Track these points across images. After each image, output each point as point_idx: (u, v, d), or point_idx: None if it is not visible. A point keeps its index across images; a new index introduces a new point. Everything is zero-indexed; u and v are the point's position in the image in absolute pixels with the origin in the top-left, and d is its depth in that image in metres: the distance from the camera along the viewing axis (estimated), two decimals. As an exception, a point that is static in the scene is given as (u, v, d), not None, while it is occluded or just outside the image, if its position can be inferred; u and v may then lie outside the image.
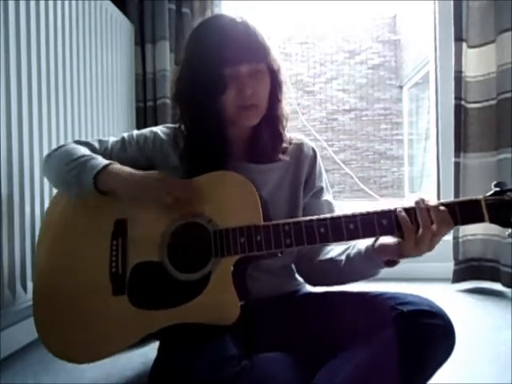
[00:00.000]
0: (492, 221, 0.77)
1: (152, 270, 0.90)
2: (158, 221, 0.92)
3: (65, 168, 0.95)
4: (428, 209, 0.78)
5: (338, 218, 0.82)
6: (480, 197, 0.78)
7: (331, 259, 0.95)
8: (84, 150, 0.99)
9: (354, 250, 0.90)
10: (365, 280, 0.93)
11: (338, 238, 0.82)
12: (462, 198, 0.80)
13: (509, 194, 0.77)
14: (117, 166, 0.94)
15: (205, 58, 0.91)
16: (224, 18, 0.94)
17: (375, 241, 0.86)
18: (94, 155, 0.97)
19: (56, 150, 1.04)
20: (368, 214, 0.81)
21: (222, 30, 0.91)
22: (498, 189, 0.79)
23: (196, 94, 0.93)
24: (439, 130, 2.20)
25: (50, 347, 0.94)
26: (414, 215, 0.79)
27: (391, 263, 0.86)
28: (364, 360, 0.77)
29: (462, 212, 0.78)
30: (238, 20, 0.92)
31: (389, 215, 0.81)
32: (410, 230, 0.78)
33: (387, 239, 0.83)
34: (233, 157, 1.00)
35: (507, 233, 0.80)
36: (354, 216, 0.81)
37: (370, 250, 0.86)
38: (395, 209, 0.81)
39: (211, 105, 0.92)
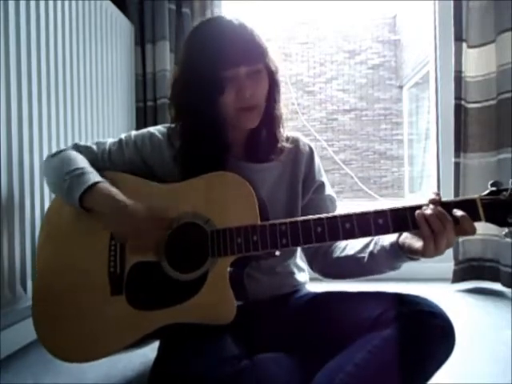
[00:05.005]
0: (488, 220, 0.77)
1: (150, 270, 0.90)
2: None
3: (59, 179, 0.97)
4: (440, 218, 0.77)
5: (334, 217, 0.83)
6: (476, 196, 0.78)
7: (352, 256, 0.95)
8: (79, 161, 0.99)
9: (378, 247, 0.90)
10: (386, 273, 0.94)
11: (334, 238, 0.83)
12: (457, 198, 0.80)
13: (504, 193, 0.77)
14: (104, 185, 0.93)
15: (203, 59, 0.90)
16: (221, 20, 0.94)
17: (398, 237, 0.86)
18: (87, 168, 0.96)
19: (55, 155, 1.04)
20: (364, 213, 0.81)
21: (220, 32, 0.91)
22: (493, 188, 0.79)
23: (194, 96, 0.93)
24: (439, 130, 2.20)
25: (48, 346, 0.94)
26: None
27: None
28: (364, 360, 0.77)
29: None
30: (235, 22, 0.92)
31: (384, 214, 0.81)
32: (429, 237, 0.78)
33: (411, 239, 0.83)
34: (231, 156, 1.00)
35: (503, 232, 0.80)
36: (350, 215, 0.82)
37: (396, 246, 0.86)
38: (391, 208, 0.81)
39: (209, 106, 0.92)
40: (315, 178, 1.06)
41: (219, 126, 0.96)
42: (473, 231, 0.77)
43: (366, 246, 0.93)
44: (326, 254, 1.00)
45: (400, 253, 0.86)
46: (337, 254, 0.99)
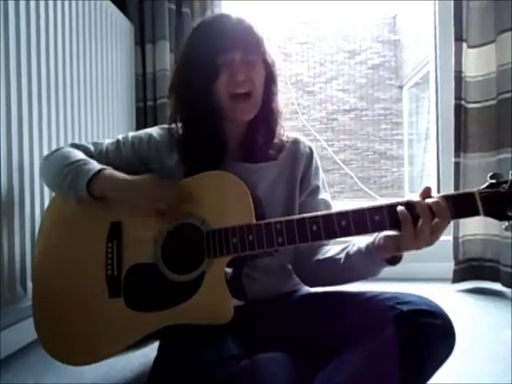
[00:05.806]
0: (487, 214, 0.74)
1: (147, 272, 0.90)
2: (152, 223, 0.92)
3: (60, 173, 0.96)
4: (428, 202, 0.76)
5: (330, 215, 0.81)
6: (474, 190, 0.75)
7: (330, 258, 0.94)
8: (79, 154, 1.00)
9: (354, 248, 0.89)
10: (366, 279, 0.92)
11: (331, 236, 0.81)
12: (455, 192, 0.78)
13: (504, 185, 0.74)
14: (110, 170, 0.94)
15: (200, 46, 0.94)
16: (222, 14, 0.99)
17: (375, 237, 0.85)
18: (89, 160, 0.97)
19: (52, 153, 1.04)
20: (360, 210, 0.79)
21: (218, 23, 0.95)
22: (493, 181, 0.76)
23: (191, 83, 0.95)
24: (439, 130, 2.21)
25: (48, 349, 0.94)
26: (412, 207, 0.78)
27: (392, 261, 0.85)
28: (364, 360, 0.77)
29: (456, 206, 0.76)
30: (235, 16, 0.96)
31: (381, 211, 0.79)
32: (407, 220, 0.77)
33: (387, 234, 0.82)
34: (228, 155, 1.00)
35: (503, 226, 0.77)
36: (345, 213, 0.80)
37: (370, 246, 0.85)
38: (387, 204, 0.79)
39: (205, 93, 0.94)
40: (310, 182, 1.05)
41: (215, 117, 0.96)
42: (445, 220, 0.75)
43: (344, 248, 0.92)
44: (310, 257, 0.99)
45: (373, 253, 0.84)
46: (317, 256, 0.98)
